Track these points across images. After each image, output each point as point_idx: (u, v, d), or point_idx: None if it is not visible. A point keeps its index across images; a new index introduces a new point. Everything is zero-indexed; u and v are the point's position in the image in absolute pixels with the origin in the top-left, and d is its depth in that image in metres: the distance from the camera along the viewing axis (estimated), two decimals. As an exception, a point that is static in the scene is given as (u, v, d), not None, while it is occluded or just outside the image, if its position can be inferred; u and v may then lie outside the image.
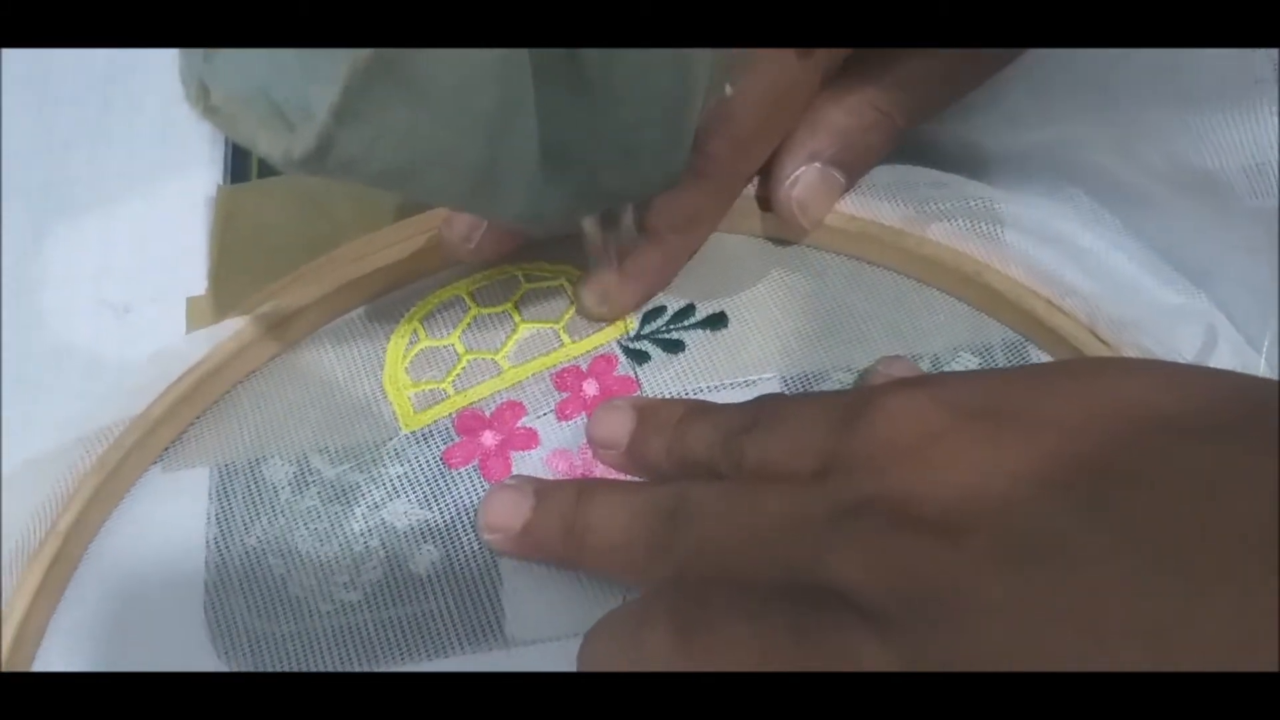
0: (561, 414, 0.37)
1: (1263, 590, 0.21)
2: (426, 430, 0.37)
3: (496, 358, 0.39)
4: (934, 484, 0.26)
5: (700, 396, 0.37)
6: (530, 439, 0.37)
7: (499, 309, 0.39)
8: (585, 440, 0.36)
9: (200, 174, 0.46)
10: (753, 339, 0.39)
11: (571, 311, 0.39)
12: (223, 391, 0.38)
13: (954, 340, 0.38)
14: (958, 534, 0.25)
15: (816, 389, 0.37)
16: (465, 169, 0.29)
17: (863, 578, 0.26)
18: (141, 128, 0.47)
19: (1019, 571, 0.24)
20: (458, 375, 0.38)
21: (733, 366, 0.38)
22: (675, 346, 0.38)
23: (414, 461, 0.37)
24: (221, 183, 0.46)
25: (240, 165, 0.46)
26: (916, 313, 0.39)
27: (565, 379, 0.38)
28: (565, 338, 0.39)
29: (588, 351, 0.38)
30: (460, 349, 0.39)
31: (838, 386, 0.37)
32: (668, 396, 0.38)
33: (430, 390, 0.38)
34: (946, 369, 0.37)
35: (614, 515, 0.32)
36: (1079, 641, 0.23)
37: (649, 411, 0.35)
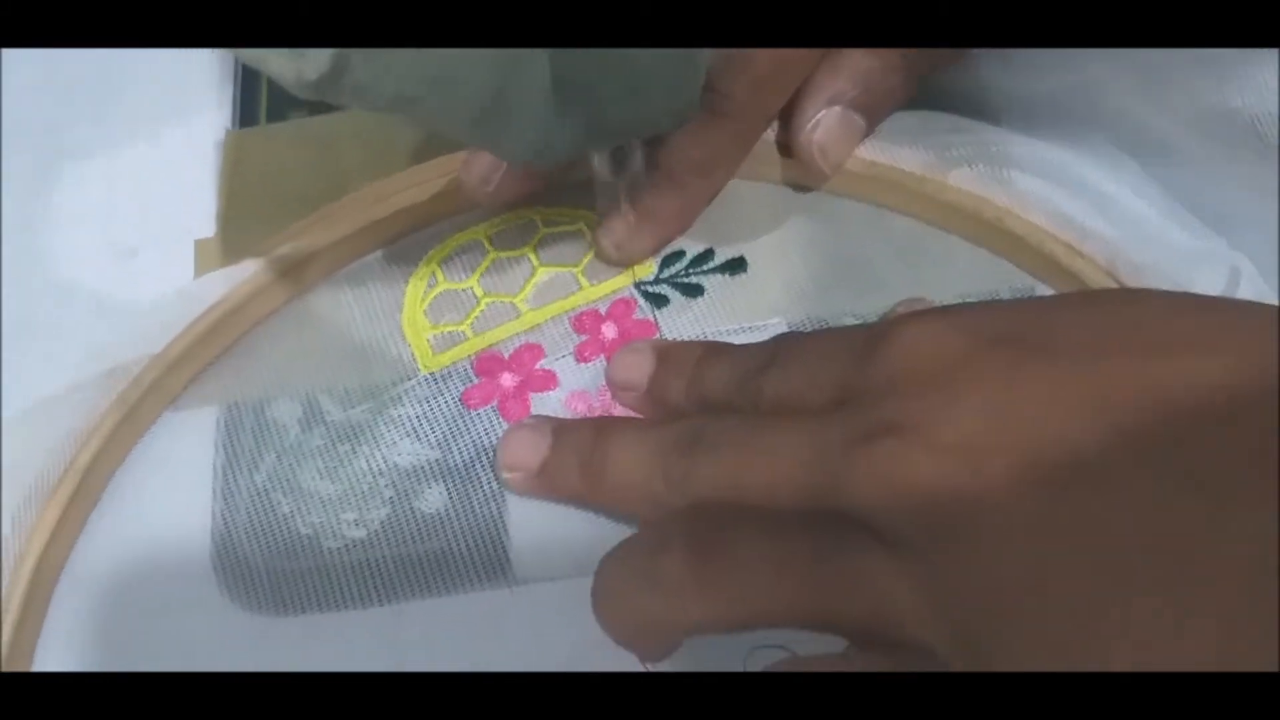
0: (580, 356, 0.37)
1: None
2: (445, 371, 0.37)
3: (515, 300, 0.38)
4: (953, 409, 0.26)
5: (718, 340, 0.37)
6: (549, 380, 0.37)
7: (517, 252, 0.39)
8: (604, 382, 0.37)
9: (208, 118, 0.45)
10: (772, 284, 0.39)
11: (590, 255, 0.39)
12: (241, 332, 0.38)
13: (974, 287, 0.38)
14: (977, 458, 0.25)
15: None
16: (475, 97, 0.28)
17: (880, 502, 0.26)
18: (149, 70, 0.47)
19: (1039, 494, 0.24)
20: (476, 318, 0.38)
21: (751, 311, 0.38)
22: (694, 291, 0.38)
23: (432, 402, 0.37)
24: (230, 127, 0.45)
25: (249, 109, 0.46)
26: (936, 259, 0.39)
27: (584, 322, 0.38)
28: (584, 281, 0.39)
29: (606, 295, 0.38)
30: (479, 292, 0.39)
31: None
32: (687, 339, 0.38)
33: (449, 332, 0.38)
34: None
35: (631, 450, 0.33)
36: (1099, 563, 0.23)
37: (668, 353, 0.35)
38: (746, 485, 0.29)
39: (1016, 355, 0.26)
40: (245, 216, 0.42)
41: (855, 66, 0.38)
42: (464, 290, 0.39)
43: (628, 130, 0.33)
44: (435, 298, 0.39)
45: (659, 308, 0.38)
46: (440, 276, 0.39)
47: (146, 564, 0.35)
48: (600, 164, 0.36)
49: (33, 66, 0.47)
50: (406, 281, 0.39)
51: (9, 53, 0.47)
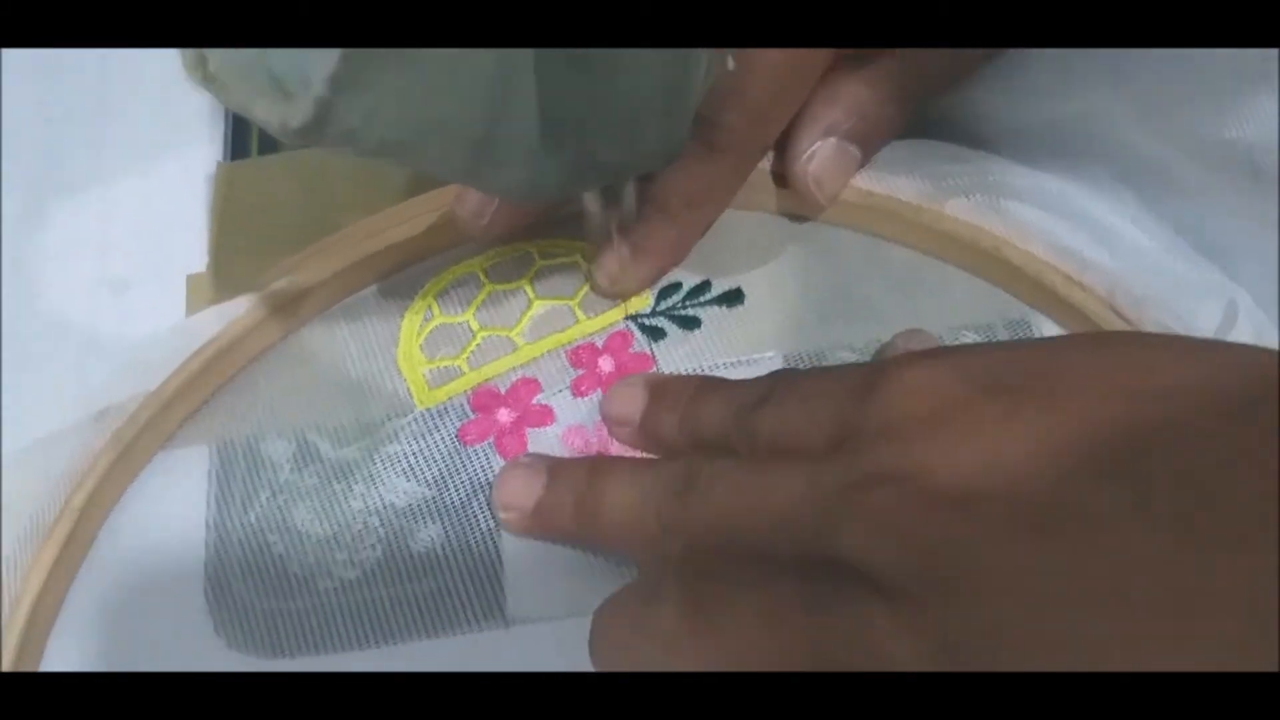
0: (577, 390, 0.37)
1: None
2: (442, 407, 0.37)
3: (511, 334, 0.38)
4: (950, 455, 0.26)
5: (716, 373, 0.37)
6: (545, 415, 0.37)
7: (513, 285, 0.39)
8: (601, 417, 0.36)
9: (200, 151, 0.45)
10: (768, 316, 0.38)
11: (586, 288, 0.39)
12: (236, 369, 0.38)
13: (970, 318, 0.38)
14: (974, 505, 0.25)
15: (818, 363, 0.37)
16: (464, 140, 0.28)
17: (876, 551, 0.25)
18: (141, 104, 0.47)
19: (1036, 543, 0.24)
20: (472, 352, 0.38)
21: (748, 344, 0.38)
22: (691, 323, 0.38)
23: (428, 439, 0.36)
24: (222, 159, 0.45)
25: (241, 142, 0.46)
26: (933, 289, 0.39)
27: (581, 355, 0.38)
28: (580, 314, 0.39)
29: (603, 328, 0.38)
30: (475, 325, 0.39)
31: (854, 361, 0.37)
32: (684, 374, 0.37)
33: (445, 367, 0.38)
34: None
35: (626, 491, 0.32)
36: (1098, 613, 0.23)
37: (662, 387, 0.35)
38: (741, 529, 0.29)
39: (1014, 402, 0.26)
40: (237, 250, 0.42)
41: (850, 97, 0.38)
42: (460, 324, 0.39)
43: (617, 169, 0.33)
44: (431, 332, 0.39)
45: (656, 340, 0.38)
46: (436, 310, 0.39)
47: (141, 605, 0.35)
48: (590, 200, 0.36)
49: (26, 100, 0.47)
50: (402, 316, 0.39)
51: (6, 87, 0.47)
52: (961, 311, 0.38)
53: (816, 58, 0.37)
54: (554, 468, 0.34)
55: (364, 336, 0.39)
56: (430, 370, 0.38)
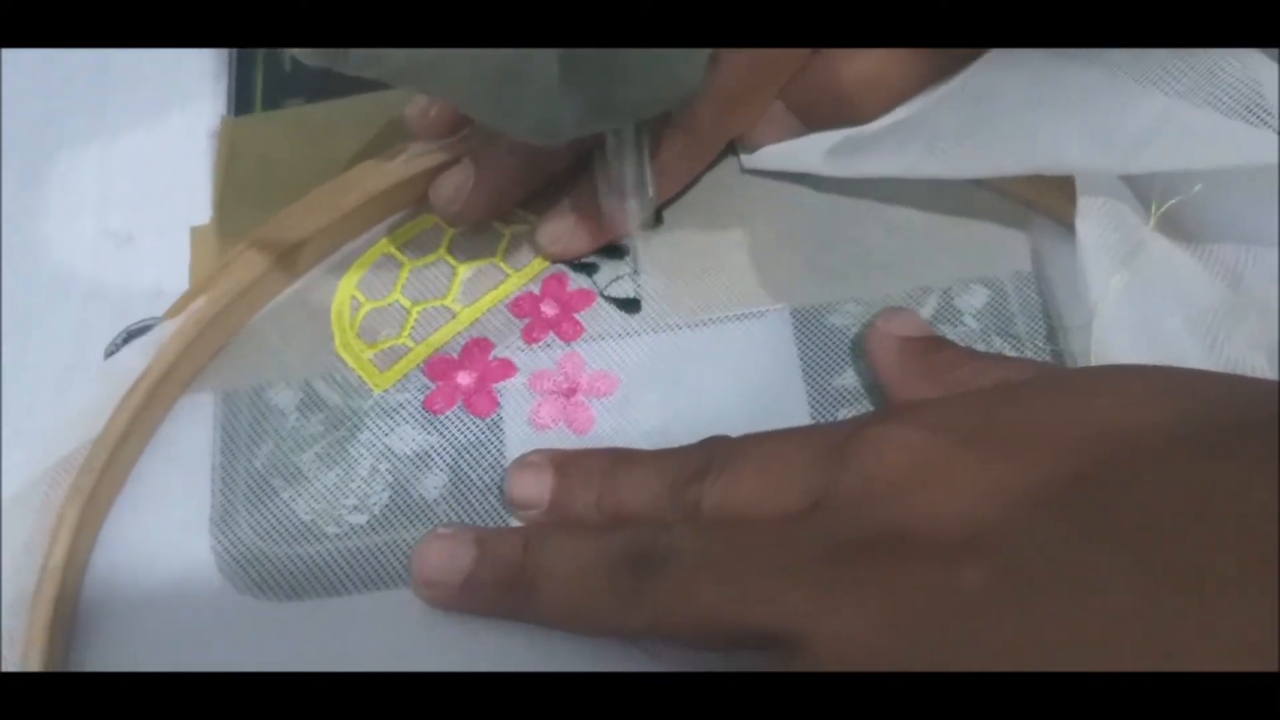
0: (529, 337, 0.37)
1: (1264, 603, 0.22)
2: (400, 385, 0.37)
3: (446, 302, 0.38)
4: (931, 516, 0.26)
5: (715, 323, 0.37)
6: (507, 369, 0.37)
7: (432, 257, 0.39)
8: (563, 356, 0.37)
9: (204, 105, 0.45)
10: (768, 268, 0.38)
11: (505, 243, 0.39)
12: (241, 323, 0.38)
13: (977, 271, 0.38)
14: (959, 567, 0.25)
15: (825, 317, 0.37)
16: (485, 71, 0.28)
17: (869, 621, 0.26)
18: (145, 59, 0.46)
19: (1025, 604, 0.24)
20: (413, 327, 0.38)
21: (689, 261, 0.38)
22: (617, 252, 0.39)
23: (396, 416, 0.36)
24: (225, 114, 0.44)
25: (244, 97, 0.45)
26: (938, 241, 0.38)
27: (522, 305, 0.38)
28: (508, 268, 0.39)
29: (536, 275, 0.39)
30: (406, 303, 0.38)
31: (846, 320, 0.37)
32: (653, 294, 0.38)
33: (390, 348, 0.38)
34: (956, 300, 0.37)
35: (569, 562, 0.31)
36: (1088, 671, 0.23)
37: (569, 464, 0.34)
38: (711, 605, 0.28)
39: (988, 455, 0.27)
40: (241, 203, 0.42)
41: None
42: (390, 305, 0.38)
43: (633, 108, 0.33)
44: (363, 319, 0.38)
45: (591, 275, 0.38)
46: (361, 298, 0.39)
47: (149, 555, 0.35)
48: (604, 147, 0.35)
49: (29, 56, 0.46)
50: (329, 311, 0.38)
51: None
52: (968, 263, 0.38)
53: (782, 60, 0.37)
54: (482, 538, 0.33)
55: (297, 339, 0.38)
56: (375, 354, 0.37)
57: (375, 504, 0.35)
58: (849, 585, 0.26)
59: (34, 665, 0.32)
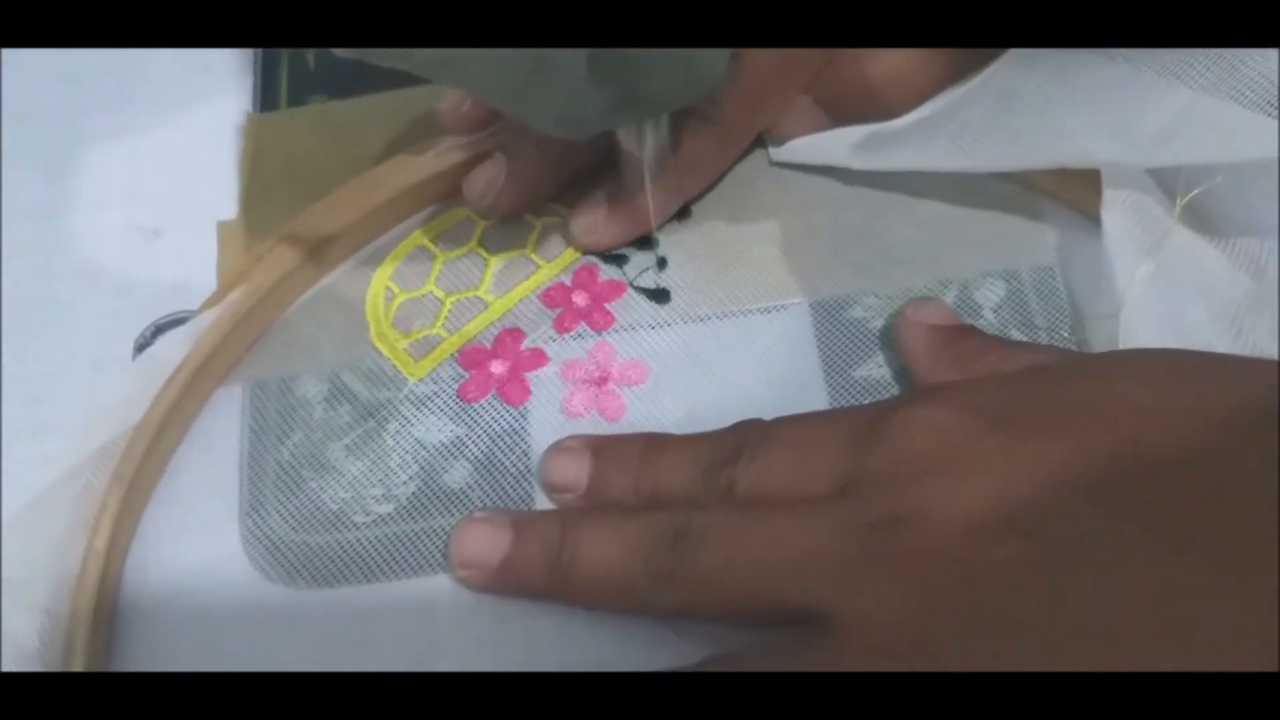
0: (561, 327, 0.38)
1: None
2: (434, 374, 0.37)
3: (479, 293, 0.39)
4: (959, 496, 0.27)
5: (739, 316, 0.38)
6: (538, 359, 0.38)
7: (465, 250, 0.40)
8: (594, 345, 0.37)
9: (230, 101, 0.45)
10: (787, 261, 0.39)
11: (536, 234, 0.40)
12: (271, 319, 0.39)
13: (996, 264, 0.38)
14: (988, 545, 0.26)
15: (844, 310, 0.38)
16: (513, 63, 0.29)
17: (893, 598, 0.26)
18: (171, 54, 0.46)
19: (1054, 582, 0.25)
20: (447, 317, 0.38)
21: (716, 253, 0.39)
22: (648, 243, 0.39)
23: (430, 404, 0.37)
24: (251, 110, 0.45)
25: (270, 94, 0.45)
26: (958, 234, 0.39)
27: (553, 296, 0.39)
28: (539, 259, 0.39)
29: (567, 266, 0.39)
30: (440, 294, 0.39)
31: (866, 313, 0.38)
32: (682, 285, 0.38)
33: (425, 338, 0.38)
34: (976, 294, 0.38)
35: (605, 543, 0.31)
36: (1110, 643, 0.24)
37: (605, 448, 0.34)
38: (746, 580, 0.29)
39: (1017, 437, 0.27)
40: (266, 199, 0.42)
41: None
42: (424, 296, 0.39)
43: (658, 102, 0.33)
44: (398, 310, 0.39)
45: (621, 266, 0.39)
46: (396, 289, 0.39)
47: (180, 547, 0.36)
48: (626, 139, 0.36)
49: (56, 52, 0.46)
50: (364, 302, 0.39)
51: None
52: (988, 256, 0.38)
53: (806, 54, 0.38)
54: (519, 521, 0.33)
55: (331, 330, 0.39)
56: (410, 344, 0.38)
57: (403, 494, 0.36)
58: (878, 564, 0.27)
59: (79, 647, 0.32)
